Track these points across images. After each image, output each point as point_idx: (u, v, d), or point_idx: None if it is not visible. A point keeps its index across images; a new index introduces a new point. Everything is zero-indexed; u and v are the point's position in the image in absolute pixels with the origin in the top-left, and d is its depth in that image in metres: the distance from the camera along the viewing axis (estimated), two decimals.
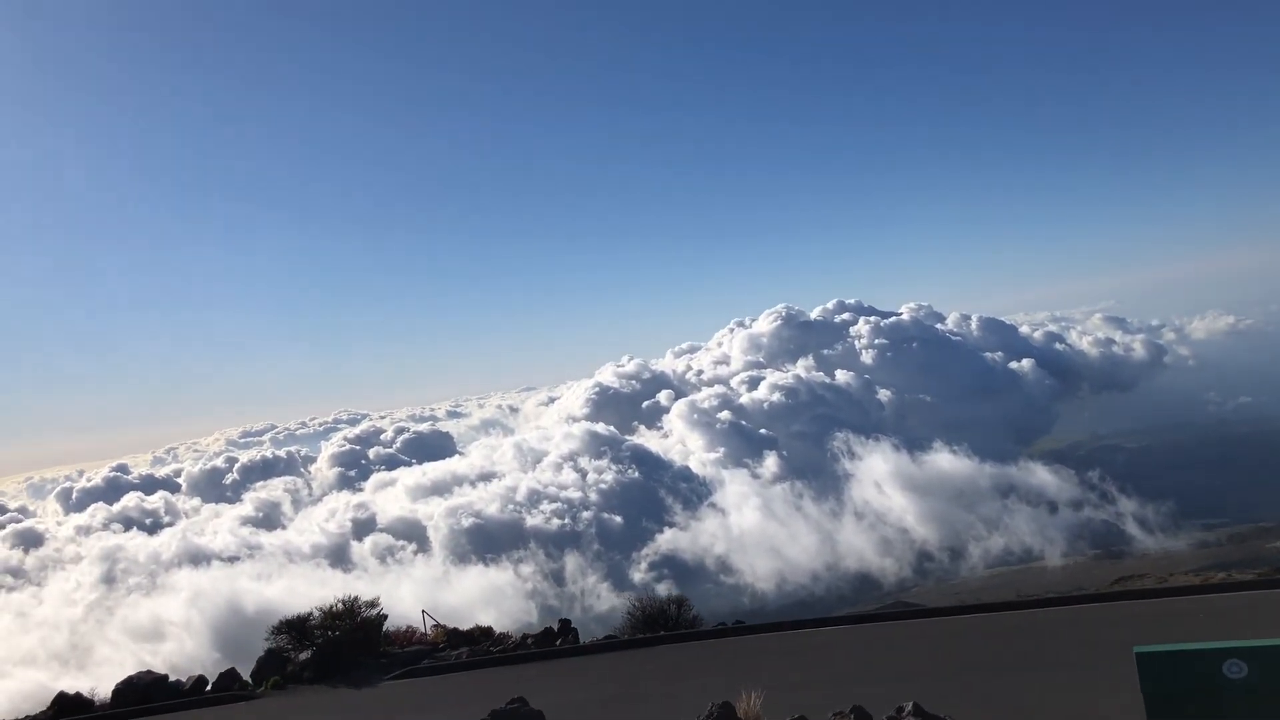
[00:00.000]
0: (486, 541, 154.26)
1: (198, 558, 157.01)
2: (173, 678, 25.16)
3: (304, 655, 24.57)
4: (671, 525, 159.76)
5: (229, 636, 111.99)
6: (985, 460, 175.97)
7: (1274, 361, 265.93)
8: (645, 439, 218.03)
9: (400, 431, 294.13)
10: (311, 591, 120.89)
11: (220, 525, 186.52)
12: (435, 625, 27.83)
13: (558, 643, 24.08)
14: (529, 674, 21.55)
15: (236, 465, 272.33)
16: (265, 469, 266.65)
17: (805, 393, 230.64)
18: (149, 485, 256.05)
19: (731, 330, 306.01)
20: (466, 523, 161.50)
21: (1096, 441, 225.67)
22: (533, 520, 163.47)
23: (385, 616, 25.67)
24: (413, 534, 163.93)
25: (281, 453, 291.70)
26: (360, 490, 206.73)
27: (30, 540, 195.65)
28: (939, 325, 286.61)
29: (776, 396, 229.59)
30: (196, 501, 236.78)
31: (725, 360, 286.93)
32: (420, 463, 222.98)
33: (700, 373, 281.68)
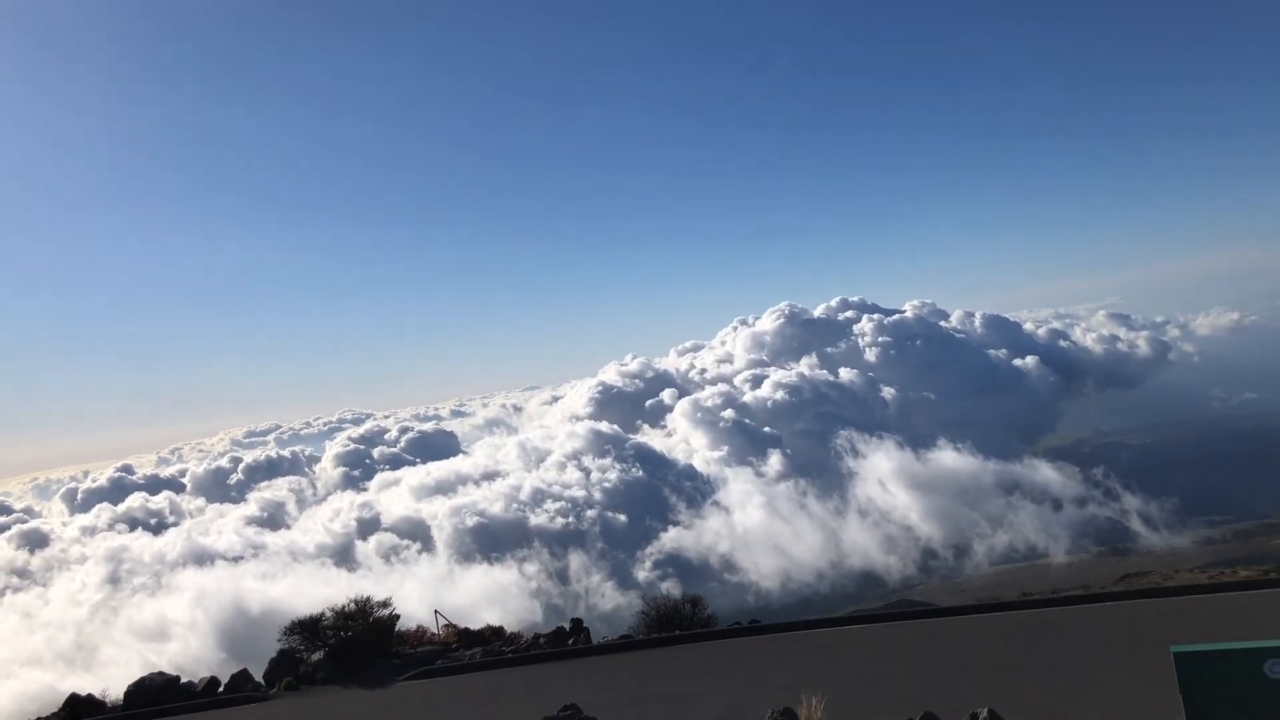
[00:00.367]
0: (491, 541, 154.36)
1: (202, 558, 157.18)
2: (184, 679, 25.05)
3: (316, 656, 24.48)
4: (675, 524, 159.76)
5: (234, 636, 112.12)
6: (989, 458, 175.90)
7: (1279, 357, 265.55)
8: (649, 437, 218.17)
9: (404, 431, 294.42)
10: (316, 591, 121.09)
11: (225, 525, 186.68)
12: (446, 625, 27.75)
13: (570, 642, 23.94)
14: (545, 674, 21.42)
15: (241, 465, 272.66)
16: (270, 469, 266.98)
17: (809, 391, 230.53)
18: (154, 485, 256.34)
19: (735, 328, 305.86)
20: (471, 522, 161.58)
21: (1101, 438, 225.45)
22: (537, 519, 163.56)
23: (398, 617, 25.56)
24: (417, 533, 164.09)
25: (286, 452, 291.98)
26: (365, 490, 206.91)
27: (36, 541, 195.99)
28: (943, 323, 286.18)
29: (780, 395, 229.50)
30: (201, 501, 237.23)
31: (729, 359, 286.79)
32: (424, 462, 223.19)
33: (704, 371, 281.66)
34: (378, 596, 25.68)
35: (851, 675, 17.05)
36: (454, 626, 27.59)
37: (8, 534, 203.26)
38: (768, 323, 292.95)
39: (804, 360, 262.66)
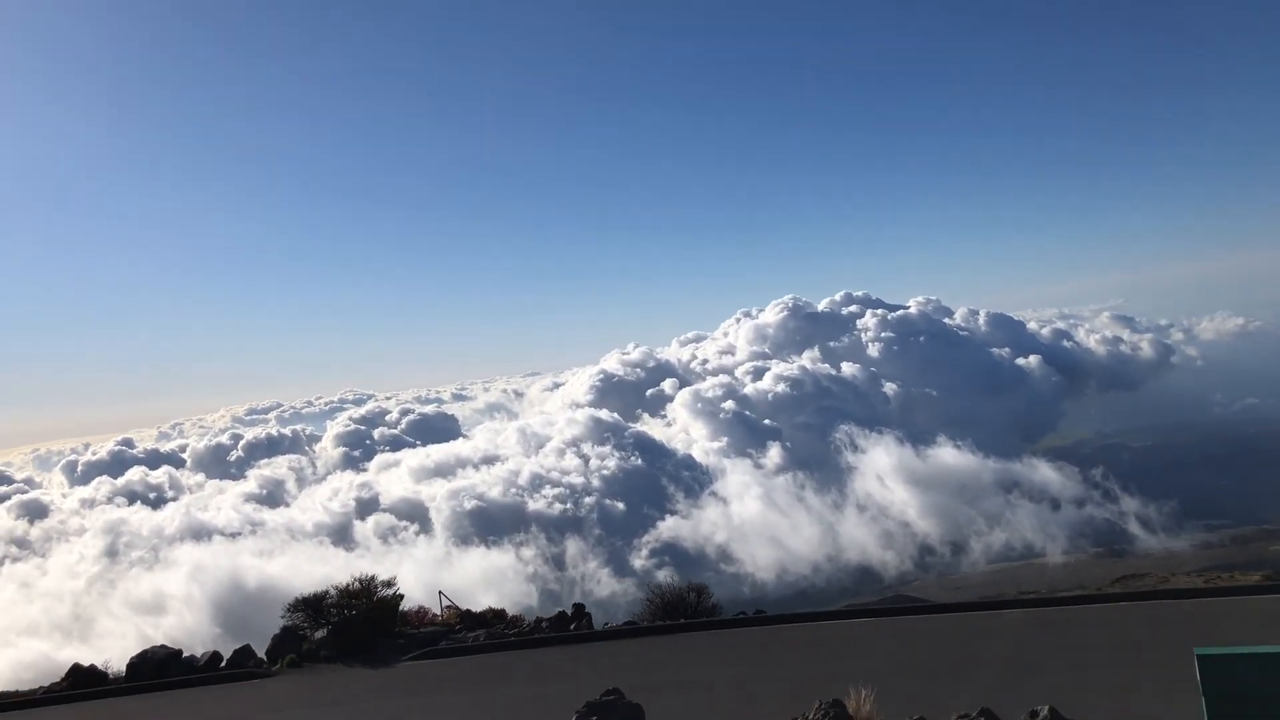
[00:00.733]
0: (488, 524, 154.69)
1: (200, 533, 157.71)
2: (185, 653, 25.04)
3: (320, 634, 24.34)
4: (673, 513, 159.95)
5: (230, 612, 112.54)
6: (989, 456, 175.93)
7: None
8: (649, 427, 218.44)
9: (405, 413, 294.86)
10: (313, 569, 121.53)
11: (224, 502, 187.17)
12: (448, 606, 27.67)
13: (572, 627, 23.84)
14: (549, 659, 21.30)
15: (241, 442, 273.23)
16: (270, 447, 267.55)
17: (810, 384, 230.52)
18: (154, 460, 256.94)
19: (738, 320, 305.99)
20: (469, 505, 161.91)
21: (1101, 440, 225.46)
22: (535, 504, 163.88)
23: (402, 596, 25.45)
24: (415, 515, 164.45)
25: (287, 431, 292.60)
26: (364, 470, 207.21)
27: (35, 511, 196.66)
28: (946, 320, 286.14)
29: (781, 387, 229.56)
30: (201, 477, 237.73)
31: (731, 350, 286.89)
32: (424, 444, 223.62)
33: (705, 362, 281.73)
34: (382, 576, 25.56)
35: (863, 670, 16.94)
36: (456, 608, 27.51)
37: (8, 504, 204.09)
38: (771, 315, 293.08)
39: (806, 354, 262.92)
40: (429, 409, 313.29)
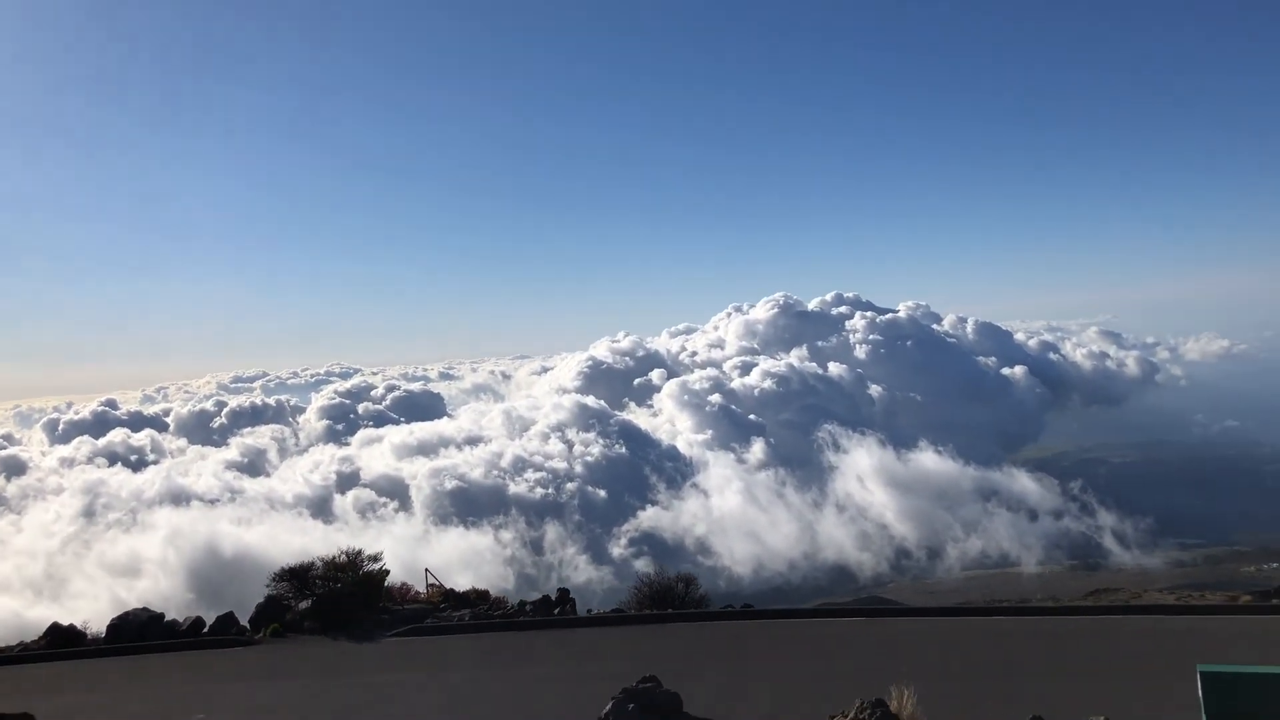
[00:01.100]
0: (468, 505, 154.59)
1: (180, 498, 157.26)
2: (168, 617, 24.93)
3: (303, 605, 24.24)
4: (654, 503, 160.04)
5: (205, 578, 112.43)
6: (970, 463, 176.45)
7: (1264, 388, 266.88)
8: (635, 416, 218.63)
9: (391, 389, 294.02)
10: (291, 540, 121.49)
11: (205, 468, 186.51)
12: (433, 585, 27.62)
13: (556, 612, 23.80)
14: (534, 642, 21.23)
15: (225, 409, 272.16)
16: (254, 415, 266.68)
17: (797, 382, 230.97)
18: (137, 422, 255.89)
19: (729, 315, 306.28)
20: (450, 485, 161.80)
21: (1082, 453, 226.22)
22: (516, 488, 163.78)
23: (387, 572, 25.39)
24: (396, 491, 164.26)
25: (271, 401, 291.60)
26: (347, 444, 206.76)
27: (13, 468, 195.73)
28: (935, 326, 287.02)
29: (768, 384, 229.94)
30: (183, 442, 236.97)
31: (720, 344, 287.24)
32: (409, 421, 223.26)
33: (694, 354, 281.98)
34: (368, 551, 25.52)
35: (865, 669, 16.98)
36: (441, 586, 27.47)
37: None
38: (762, 312, 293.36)
39: (794, 352, 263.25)
40: (415, 386, 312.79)
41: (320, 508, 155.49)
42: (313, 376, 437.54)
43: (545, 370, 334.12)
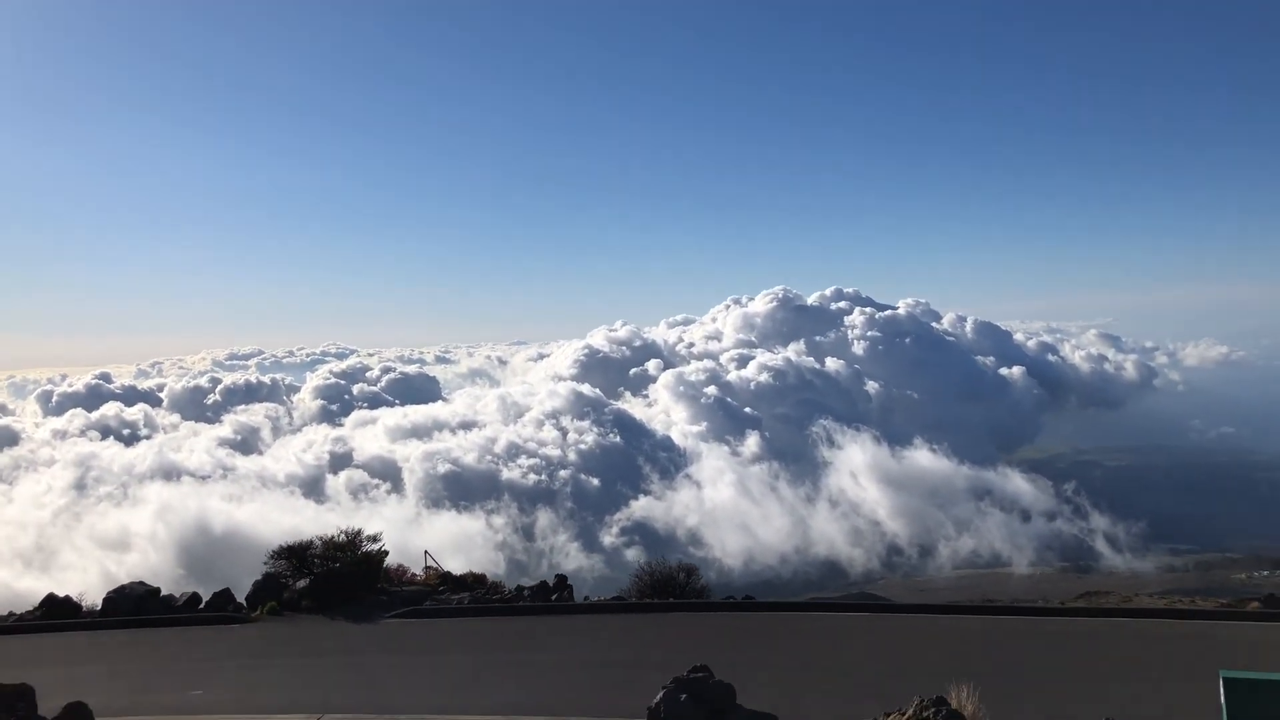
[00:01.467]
0: (461, 489, 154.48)
1: (171, 473, 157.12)
2: (164, 592, 24.80)
3: (301, 583, 24.12)
4: (647, 493, 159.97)
5: (194, 554, 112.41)
6: (964, 462, 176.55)
7: (1261, 395, 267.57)
8: (630, 405, 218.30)
9: (386, 371, 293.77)
10: (282, 519, 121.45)
11: (197, 444, 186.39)
12: (429, 567, 27.45)
13: (553, 598, 23.67)
14: (534, 627, 21.13)
15: (220, 386, 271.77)
16: (248, 393, 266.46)
17: (794, 376, 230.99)
18: (130, 397, 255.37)
19: (728, 307, 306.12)
20: (443, 469, 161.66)
21: (1077, 455, 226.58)
22: (509, 473, 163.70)
23: (386, 553, 25.19)
24: (388, 474, 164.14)
25: (266, 379, 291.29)
26: (340, 425, 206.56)
27: (6, 439, 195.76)
28: (934, 324, 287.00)
29: (765, 377, 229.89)
30: (176, 418, 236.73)
31: (718, 336, 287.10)
32: (403, 404, 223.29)
33: (691, 346, 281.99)
34: (367, 531, 25.34)
35: (885, 666, 16.91)
36: (438, 569, 27.28)
37: None
38: (760, 305, 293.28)
39: (792, 346, 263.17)
40: (411, 369, 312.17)
41: (312, 487, 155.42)
42: (308, 356, 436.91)
43: (542, 357, 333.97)
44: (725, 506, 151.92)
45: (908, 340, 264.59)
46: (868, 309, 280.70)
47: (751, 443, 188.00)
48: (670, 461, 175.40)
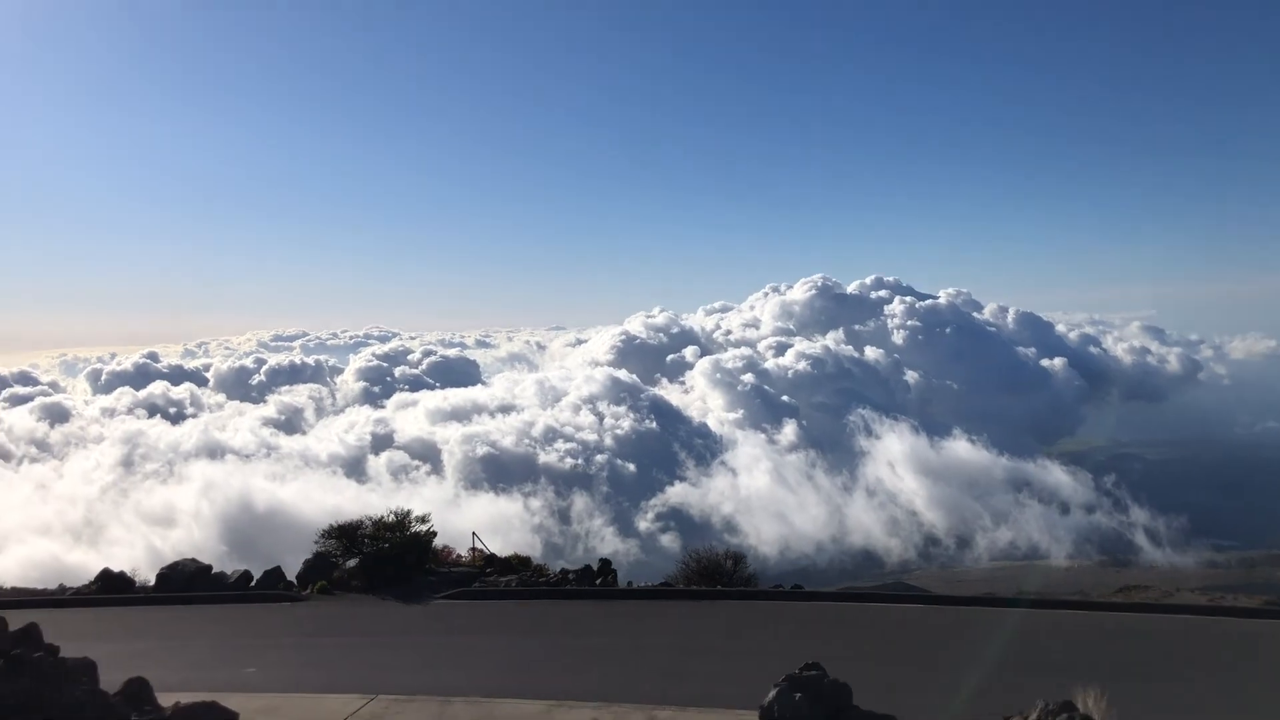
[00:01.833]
0: (499, 471, 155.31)
1: (216, 452, 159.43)
2: (214, 569, 25.11)
3: (350, 563, 24.34)
4: (682, 479, 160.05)
5: (237, 531, 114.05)
6: (1003, 453, 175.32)
7: None
8: (666, 392, 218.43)
9: (428, 354, 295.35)
10: (324, 498, 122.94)
11: (242, 424, 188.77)
12: (474, 549, 27.61)
13: (598, 582, 23.68)
14: (581, 611, 21.13)
15: (264, 367, 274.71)
16: (292, 374, 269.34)
17: (832, 365, 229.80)
18: (177, 376, 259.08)
19: (766, 294, 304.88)
20: (481, 451, 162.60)
21: (1118, 448, 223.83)
22: (546, 457, 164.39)
23: (435, 534, 25.32)
24: (428, 455, 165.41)
25: (310, 360, 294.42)
26: (382, 407, 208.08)
27: (57, 415, 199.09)
28: (975, 314, 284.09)
29: (802, 365, 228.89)
30: (221, 397, 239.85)
31: (755, 324, 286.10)
32: (444, 387, 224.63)
33: (729, 333, 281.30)
34: (416, 511, 25.48)
35: (939, 658, 16.73)
36: (482, 551, 27.49)
37: (31, 405, 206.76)
38: (799, 293, 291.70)
39: (831, 334, 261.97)
40: (451, 352, 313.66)
41: (354, 467, 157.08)
42: (351, 338, 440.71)
43: (579, 342, 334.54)
44: (761, 494, 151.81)
45: (948, 330, 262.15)
46: (908, 298, 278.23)
47: (788, 431, 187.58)
48: (706, 448, 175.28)
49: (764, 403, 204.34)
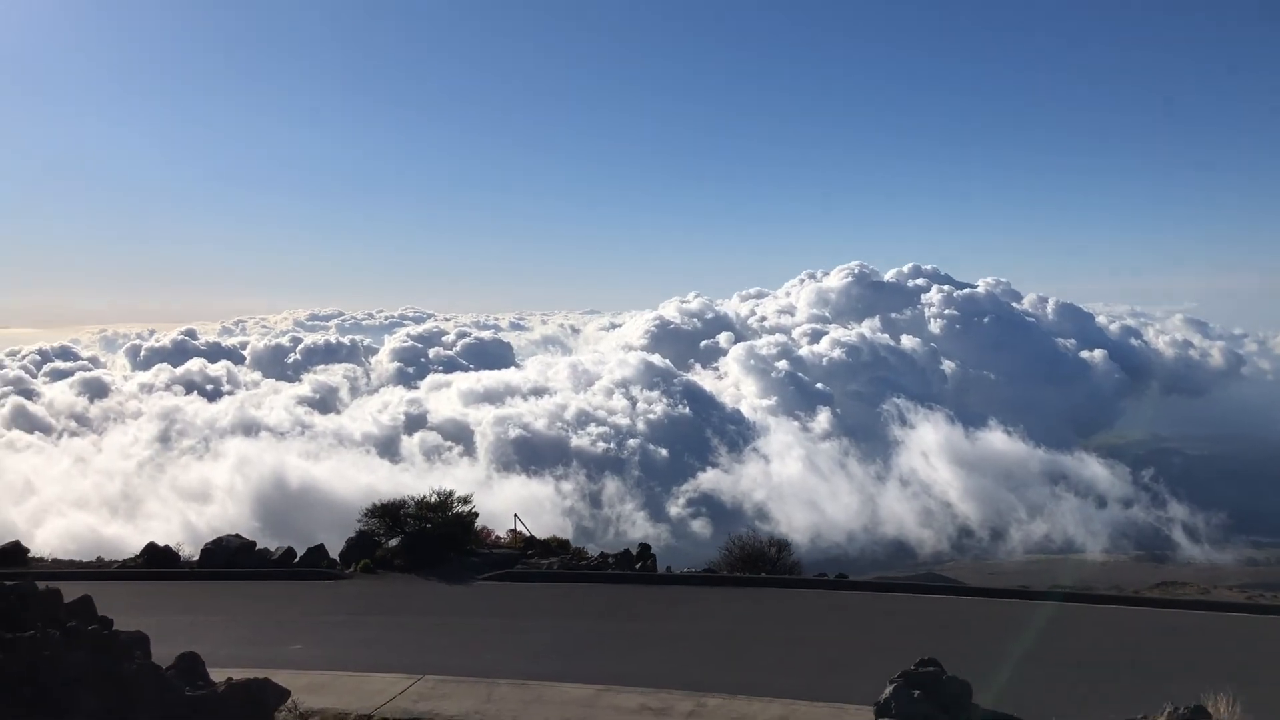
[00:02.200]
0: (531, 454, 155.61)
1: (251, 429, 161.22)
2: (259, 546, 25.28)
3: (393, 542, 24.43)
4: (714, 465, 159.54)
5: (271, 508, 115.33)
6: (1040, 445, 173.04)
7: None
8: (700, 377, 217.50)
9: (462, 335, 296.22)
10: (357, 477, 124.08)
11: (277, 402, 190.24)
12: (513, 530, 27.57)
13: (636, 566, 23.58)
14: (624, 595, 21.05)
15: (300, 346, 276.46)
16: (327, 353, 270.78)
17: (868, 353, 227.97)
18: (214, 354, 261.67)
19: (801, 281, 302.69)
20: (514, 433, 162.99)
21: (1157, 442, 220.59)
22: (578, 440, 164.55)
23: (476, 514, 25.33)
24: (461, 436, 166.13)
25: (345, 340, 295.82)
26: (416, 388, 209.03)
27: (97, 390, 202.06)
28: (1015, 304, 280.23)
29: (838, 353, 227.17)
30: (257, 376, 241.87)
31: (790, 310, 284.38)
32: (477, 369, 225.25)
33: (764, 319, 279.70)
34: (459, 492, 25.55)
35: (993, 651, 16.10)
36: (522, 533, 27.42)
37: (71, 379, 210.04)
38: (836, 280, 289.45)
39: (867, 322, 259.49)
40: (486, 334, 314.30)
41: (387, 447, 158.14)
42: (387, 319, 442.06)
43: (614, 327, 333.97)
44: (793, 482, 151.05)
45: (986, 320, 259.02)
46: (946, 287, 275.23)
47: (822, 419, 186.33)
48: (739, 435, 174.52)
49: (798, 390, 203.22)
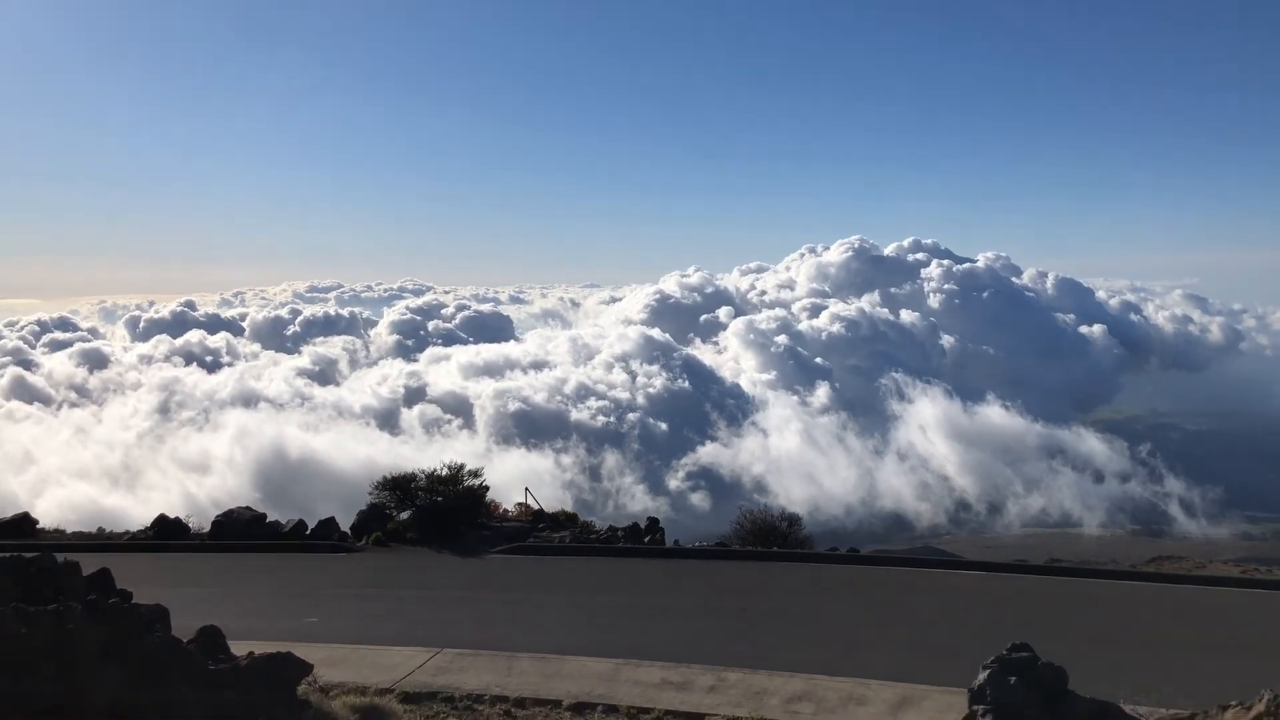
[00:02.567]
0: (530, 427, 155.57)
1: (250, 400, 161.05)
2: (269, 518, 25.28)
3: (404, 515, 24.41)
4: (713, 439, 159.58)
5: (270, 479, 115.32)
6: (1038, 420, 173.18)
7: None
8: (699, 351, 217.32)
9: (461, 308, 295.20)
10: (356, 449, 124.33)
11: (276, 373, 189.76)
12: (521, 504, 27.63)
13: (645, 540, 23.58)
14: (636, 569, 21.06)
15: (299, 318, 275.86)
16: (326, 325, 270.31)
17: (867, 327, 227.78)
18: (213, 325, 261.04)
19: (802, 255, 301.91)
20: (513, 407, 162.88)
21: (1155, 418, 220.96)
22: (578, 414, 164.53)
23: (487, 488, 25.28)
24: (460, 409, 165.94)
25: (345, 312, 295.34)
26: (415, 360, 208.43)
27: (96, 361, 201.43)
28: (1014, 279, 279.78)
29: (837, 327, 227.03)
30: (257, 347, 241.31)
31: (790, 285, 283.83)
32: (477, 342, 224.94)
33: (764, 294, 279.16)
34: (470, 465, 25.50)
35: (1007, 627, 16.39)
36: (530, 506, 27.46)
37: (70, 350, 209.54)
38: (835, 254, 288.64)
39: (866, 296, 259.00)
40: (485, 308, 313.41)
41: (386, 420, 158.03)
42: (386, 291, 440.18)
43: (614, 300, 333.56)
44: (792, 455, 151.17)
45: (986, 294, 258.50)
46: (945, 261, 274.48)
47: (821, 393, 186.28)
48: (738, 409, 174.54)
49: (797, 364, 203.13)
